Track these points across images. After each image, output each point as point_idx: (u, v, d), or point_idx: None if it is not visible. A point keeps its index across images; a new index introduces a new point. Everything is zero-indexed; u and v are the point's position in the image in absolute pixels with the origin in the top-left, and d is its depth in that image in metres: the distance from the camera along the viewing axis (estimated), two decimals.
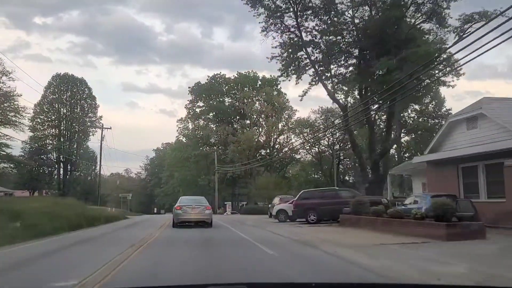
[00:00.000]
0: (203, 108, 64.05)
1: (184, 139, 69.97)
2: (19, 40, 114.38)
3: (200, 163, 66.92)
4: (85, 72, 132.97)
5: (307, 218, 18.92)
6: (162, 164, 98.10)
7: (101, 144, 45.75)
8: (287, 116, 62.90)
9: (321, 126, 49.97)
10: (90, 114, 68.68)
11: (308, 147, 56.44)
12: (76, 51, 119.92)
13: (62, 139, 65.59)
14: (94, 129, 67.96)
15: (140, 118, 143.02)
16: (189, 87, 65.00)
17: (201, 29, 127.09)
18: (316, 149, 56.68)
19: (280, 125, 62.34)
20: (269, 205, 30.40)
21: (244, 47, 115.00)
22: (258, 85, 64.29)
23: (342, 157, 58.79)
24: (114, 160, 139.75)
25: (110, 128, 53.76)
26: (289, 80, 24.51)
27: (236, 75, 64.92)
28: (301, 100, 26.14)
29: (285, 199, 27.58)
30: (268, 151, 62.65)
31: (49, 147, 64.71)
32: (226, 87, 65.06)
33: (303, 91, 24.40)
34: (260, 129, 62.98)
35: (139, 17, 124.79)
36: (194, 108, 64.97)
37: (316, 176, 66.39)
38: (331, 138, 55.50)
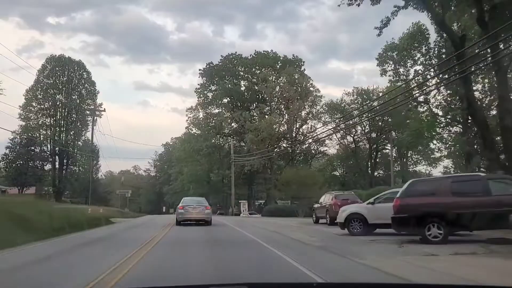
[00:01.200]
0: (216, 91, 54.78)
1: (194, 130, 60.94)
2: (33, 40, 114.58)
3: (212, 156, 57.88)
4: (97, 71, 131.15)
5: (425, 233, 9.59)
6: (172, 160, 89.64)
7: (92, 128, 37.10)
8: (311, 103, 53.29)
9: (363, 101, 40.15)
10: (88, 101, 60.10)
11: (340, 136, 47.03)
12: (88, 51, 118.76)
13: (57, 129, 57.16)
14: (94, 118, 59.49)
15: (152, 117, 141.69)
16: (199, 69, 55.87)
17: (213, 28, 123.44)
18: (350, 138, 47.18)
19: (303, 113, 52.77)
20: (314, 206, 21.17)
21: (256, 46, 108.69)
22: (278, 67, 54.89)
23: (377, 147, 49.17)
24: (123, 157, 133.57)
25: (104, 111, 45.16)
26: (358, 5, 15.35)
27: (254, 55, 55.57)
28: (378, 34, 16.46)
29: (342, 198, 18.42)
30: (290, 142, 53.40)
31: (41, 138, 56.24)
32: (242, 68, 55.68)
33: (381, 22, 15.26)
34: (281, 118, 53.55)
35: (151, 16, 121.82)
36: (205, 92, 55.81)
37: (341, 170, 56.72)
38: (367, 125, 45.97)
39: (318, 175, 40.70)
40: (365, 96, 45.96)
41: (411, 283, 5.33)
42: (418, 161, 49.85)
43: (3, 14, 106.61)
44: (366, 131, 46.67)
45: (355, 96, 45.80)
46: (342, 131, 45.59)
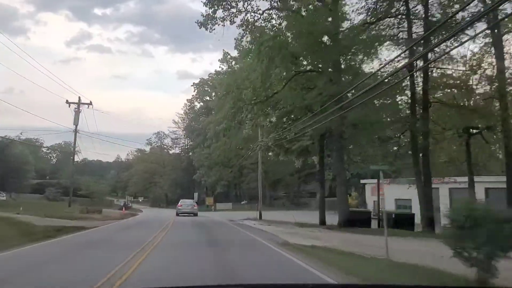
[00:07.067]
0: None
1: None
2: (82, 31, 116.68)
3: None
4: (142, 61, 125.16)
5: None
6: (210, 107, 49.96)
7: None
8: None
9: None
10: None
11: None
12: (134, 41, 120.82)
13: None
14: None
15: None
16: None
17: None
18: None
19: None
20: None
21: None
22: None
23: None
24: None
25: None
26: None
27: None
28: None
29: None
30: None
31: None
32: None
33: None
34: None
35: (194, 5, 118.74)
36: None
37: None
38: None
39: None
40: None
41: (411, 284, 5.51)
42: None
43: (53, 7, 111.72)
44: None
45: None
46: None
